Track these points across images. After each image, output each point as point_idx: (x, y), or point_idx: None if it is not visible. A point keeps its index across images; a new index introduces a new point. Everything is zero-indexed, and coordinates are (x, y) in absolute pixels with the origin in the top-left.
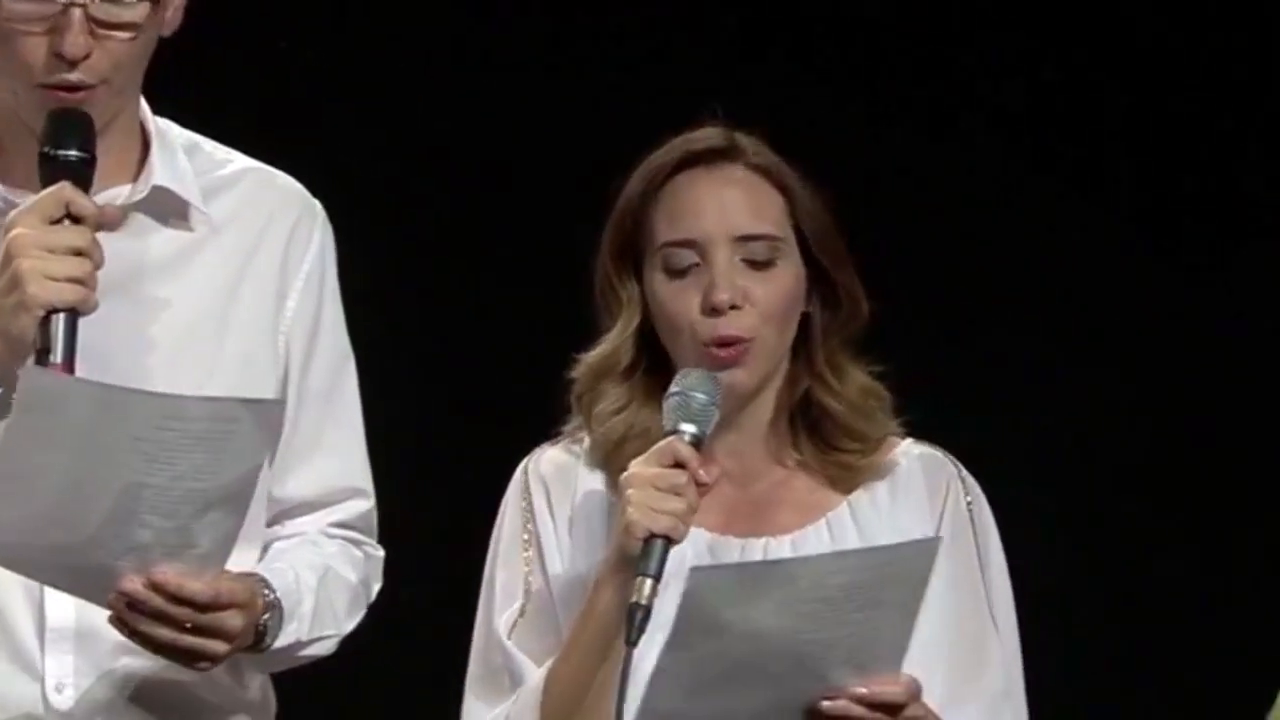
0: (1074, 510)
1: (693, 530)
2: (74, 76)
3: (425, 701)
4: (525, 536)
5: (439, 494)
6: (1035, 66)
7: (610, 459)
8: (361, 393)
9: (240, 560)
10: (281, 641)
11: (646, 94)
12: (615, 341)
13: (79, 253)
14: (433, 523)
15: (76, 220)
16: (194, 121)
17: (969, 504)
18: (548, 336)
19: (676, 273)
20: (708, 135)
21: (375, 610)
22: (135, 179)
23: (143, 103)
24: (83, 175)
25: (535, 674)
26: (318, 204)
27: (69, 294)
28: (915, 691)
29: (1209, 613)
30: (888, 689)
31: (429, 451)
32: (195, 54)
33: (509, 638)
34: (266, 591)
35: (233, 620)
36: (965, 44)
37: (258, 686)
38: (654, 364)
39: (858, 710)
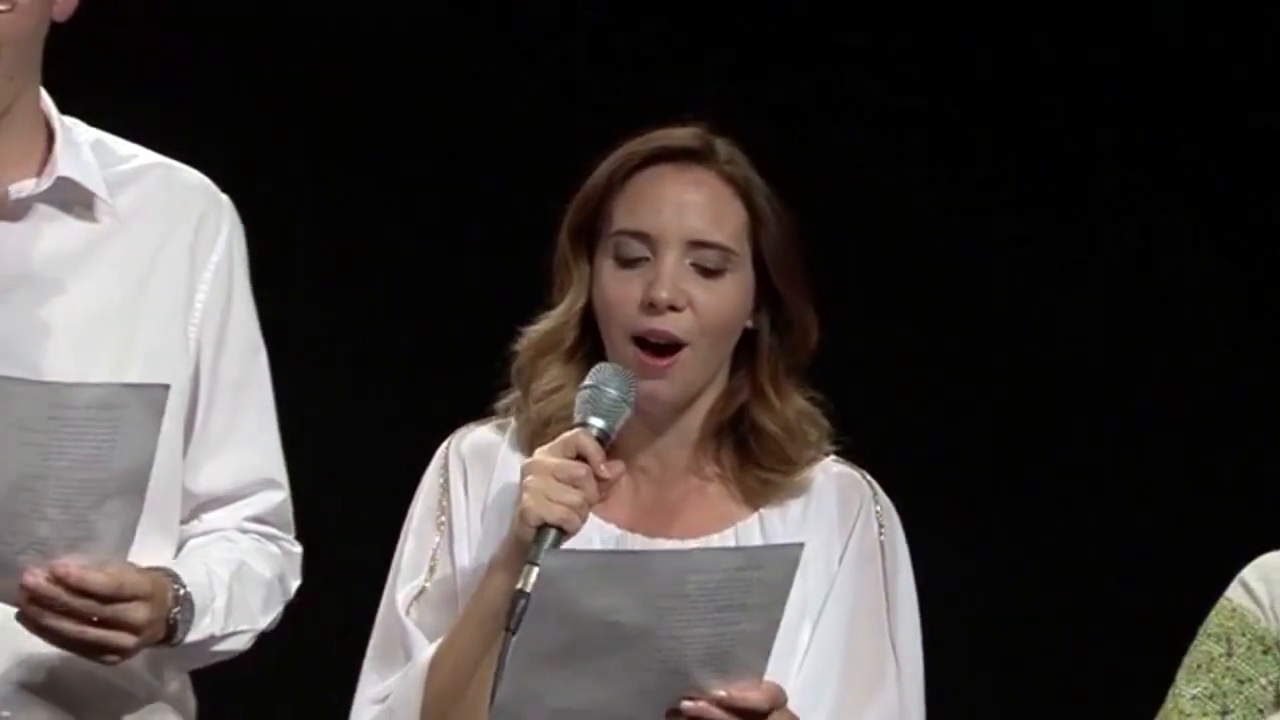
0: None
1: (602, 524)
2: None
3: (345, 701)
4: (438, 514)
5: (362, 493)
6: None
7: (536, 439)
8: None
9: (156, 558)
10: (194, 636)
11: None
12: (559, 319)
13: None
14: (357, 521)
15: None
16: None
17: (880, 529)
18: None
19: (625, 262)
20: (686, 135)
21: (294, 607)
22: (40, 173)
23: (47, 99)
24: None
25: (426, 650)
26: (225, 197)
27: None
28: (778, 699)
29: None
30: (749, 694)
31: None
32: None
33: (407, 613)
34: (176, 586)
35: (137, 612)
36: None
37: (177, 683)
38: (595, 349)
39: (717, 713)
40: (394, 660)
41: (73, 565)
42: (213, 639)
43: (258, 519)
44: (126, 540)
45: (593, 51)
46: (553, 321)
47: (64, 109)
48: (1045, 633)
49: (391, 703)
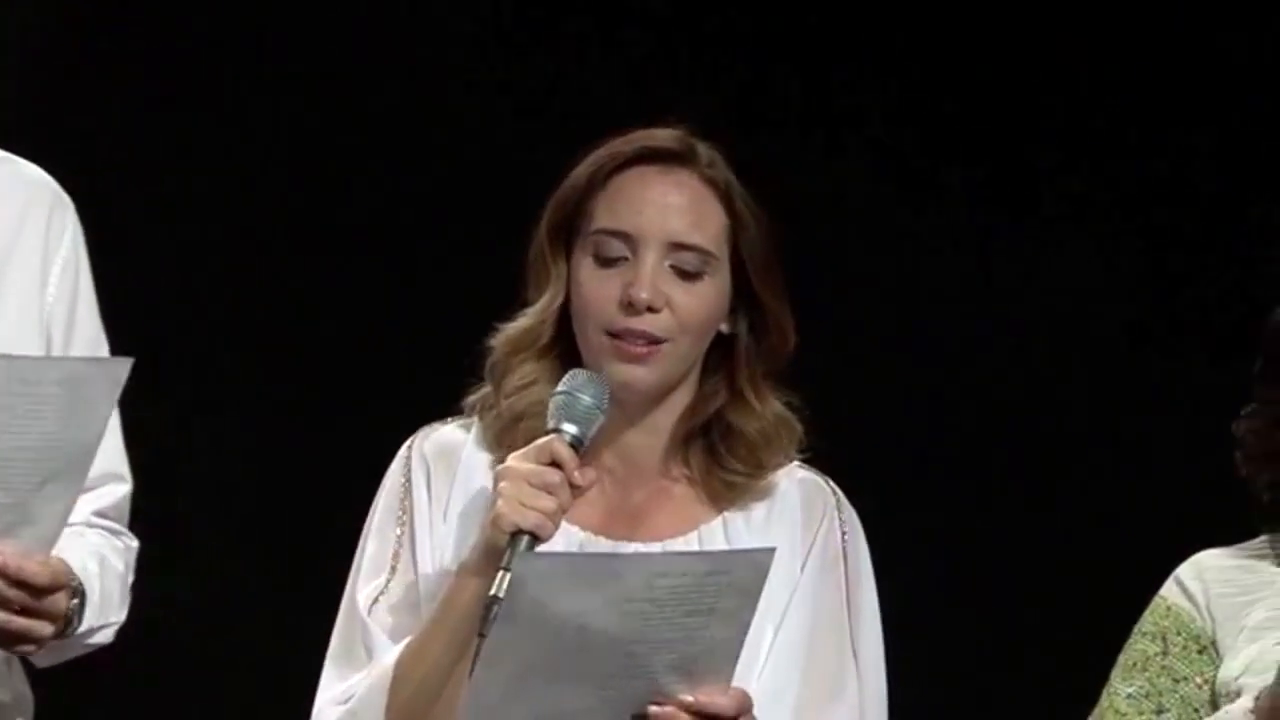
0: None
1: (569, 527)
2: None
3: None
4: (400, 513)
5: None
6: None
7: (505, 435)
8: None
9: None
10: (81, 627)
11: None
12: (536, 317)
13: None
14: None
15: None
16: None
17: (844, 536)
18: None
19: (604, 261)
20: (668, 136)
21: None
22: None
23: None
24: None
25: (390, 652)
26: (66, 195)
27: None
28: (745, 705)
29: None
30: (716, 700)
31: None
32: None
33: (369, 613)
34: (71, 576)
35: (60, 602)
36: None
37: (24, 684)
38: (570, 348)
39: (684, 718)
40: (356, 661)
41: (10, 554)
42: (90, 631)
43: (101, 514)
44: (60, 527)
45: (589, 51)
46: (530, 319)
47: None
48: (1044, 633)
49: (354, 704)
